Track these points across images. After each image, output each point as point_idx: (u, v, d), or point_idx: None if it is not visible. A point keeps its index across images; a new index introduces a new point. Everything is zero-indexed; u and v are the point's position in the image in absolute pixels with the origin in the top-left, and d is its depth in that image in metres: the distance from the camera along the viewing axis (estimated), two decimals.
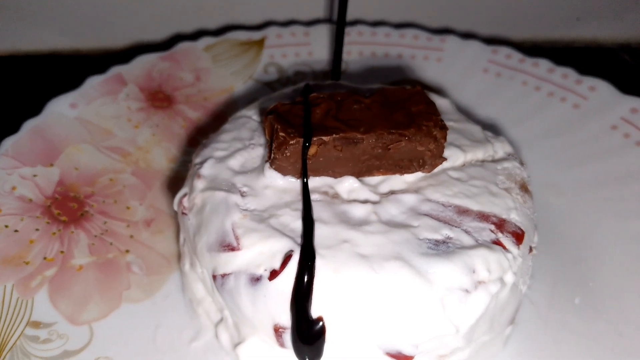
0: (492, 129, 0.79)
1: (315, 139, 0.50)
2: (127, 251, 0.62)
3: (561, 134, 0.77)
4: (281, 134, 0.51)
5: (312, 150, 0.51)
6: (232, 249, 0.49)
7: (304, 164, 0.51)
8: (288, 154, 0.51)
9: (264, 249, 0.48)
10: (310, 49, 0.88)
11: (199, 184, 0.54)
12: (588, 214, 0.68)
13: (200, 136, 0.76)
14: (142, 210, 0.66)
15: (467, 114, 0.80)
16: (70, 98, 0.73)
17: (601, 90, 0.79)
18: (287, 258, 0.47)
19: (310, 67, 0.87)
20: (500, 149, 0.60)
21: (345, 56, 0.88)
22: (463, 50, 0.87)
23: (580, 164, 0.73)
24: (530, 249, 0.53)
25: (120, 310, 0.57)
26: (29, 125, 0.68)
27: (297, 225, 0.49)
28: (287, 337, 0.48)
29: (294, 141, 0.50)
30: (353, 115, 0.53)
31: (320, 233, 0.48)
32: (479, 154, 0.58)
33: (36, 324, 0.53)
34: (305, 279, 0.46)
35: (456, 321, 0.47)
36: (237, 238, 0.49)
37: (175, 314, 0.57)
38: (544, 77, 0.83)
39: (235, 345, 0.52)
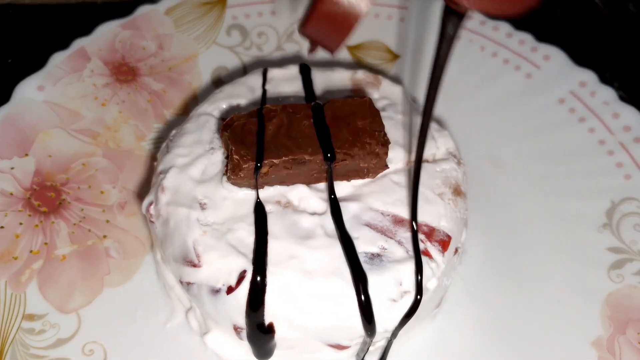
0: (449, 96, 0.82)
1: (266, 161, 0.56)
2: (105, 236, 0.69)
3: (510, 105, 0.81)
4: (235, 156, 0.56)
5: (263, 169, 0.56)
6: (194, 265, 0.56)
7: (257, 191, 0.57)
8: (242, 175, 0.56)
9: (221, 267, 0.55)
10: (273, 8, 0.87)
11: (163, 197, 0.59)
12: (523, 189, 0.75)
13: (166, 110, 0.79)
14: (116, 193, 0.72)
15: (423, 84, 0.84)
16: (37, 80, 0.75)
17: (555, 59, 0.82)
18: (241, 277, 0.54)
19: (274, 27, 0.87)
20: (442, 144, 0.66)
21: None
22: (427, 9, 0.87)
23: (522, 138, 0.78)
24: (456, 250, 0.61)
25: (102, 295, 0.65)
26: (0, 115, 0.71)
27: (252, 240, 0.56)
28: (245, 334, 0.57)
29: (247, 165, 0.56)
30: (303, 133, 0.57)
31: (272, 249, 0.55)
32: None
33: (30, 317, 0.62)
34: (257, 295, 0.54)
35: (384, 324, 0.56)
36: (198, 256, 0.56)
37: (151, 296, 0.66)
38: (502, 42, 0.84)
39: (203, 333, 0.61)
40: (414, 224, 0.57)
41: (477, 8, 0.40)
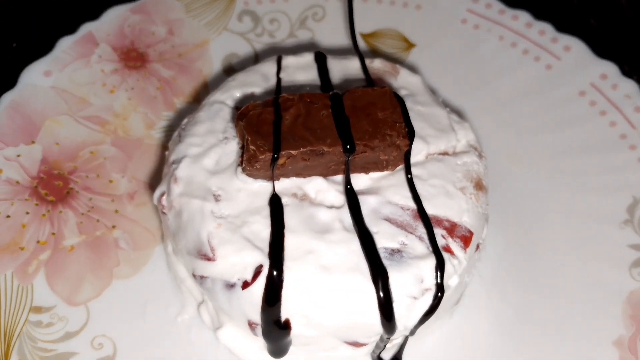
0: (467, 87, 0.80)
1: (283, 152, 0.54)
2: (114, 227, 0.67)
3: (529, 97, 0.79)
4: (251, 147, 0.54)
5: (280, 161, 0.54)
6: (209, 259, 0.54)
7: (273, 183, 0.55)
8: (258, 167, 0.55)
9: (236, 261, 0.53)
10: None
11: (176, 188, 0.57)
12: (541, 184, 0.73)
13: (176, 98, 0.77)
14: (125, 182, 0.70)
15: (440, 72, 0.82)
16: (43, 65, 0.72)
17: (576, 51, 0.80)
18: (257, 271, 0.53)
19: (286, 13, 0.84)
20: (463, 137, 0.64)
21: (322, 1, 0.86)
22: None
23: (541, 132, 0.76)
24: (477, 246, 0.59)
25: (111, 287, 0.63)
26: (5, 101, 0.69)
27: (267, 234, 0.54)
28: (259, 330, 0.55)
29: (264, 156, 0.54)
30: (321, 124, 0.56)
31: (288, 243, 0.54)
32: (441, 145, 0.62)
33: (38, 309, 0.60)
34: (273, 291, 0.52)
35: (404, 322, 0.54)
36: (212, 249, 0.54)
37: (162, 289, 0.64)
38: (521, 32, 0.82)
39: (216, 328, 0.59)
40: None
41: None
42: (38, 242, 0.64)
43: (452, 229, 0.57)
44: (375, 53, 0.83)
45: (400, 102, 0.58)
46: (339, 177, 0.58)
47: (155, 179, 0.70)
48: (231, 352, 0.59)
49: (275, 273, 0.52)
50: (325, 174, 0.58)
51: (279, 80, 0.66)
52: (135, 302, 0.63)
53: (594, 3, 0.96)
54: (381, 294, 0.52)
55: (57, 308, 0.61)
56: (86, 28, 0.77)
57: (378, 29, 0.84)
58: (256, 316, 0.54)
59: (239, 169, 0.57)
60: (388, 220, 0.56)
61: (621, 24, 0.94)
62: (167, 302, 0.63)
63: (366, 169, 0.58)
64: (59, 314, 0.60)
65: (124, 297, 0.63)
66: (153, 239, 0.67)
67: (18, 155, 0.68)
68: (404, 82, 0.68)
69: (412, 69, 0.76)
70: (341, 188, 0.58)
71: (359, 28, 0.85)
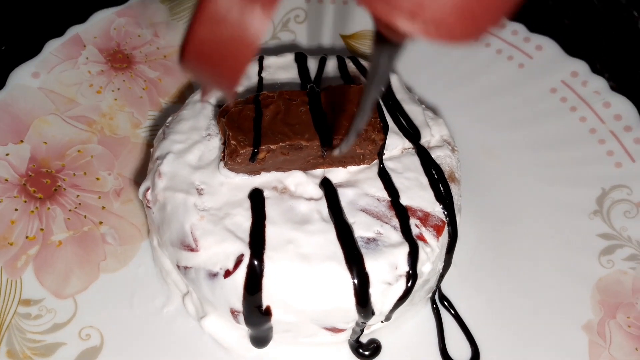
0: (442, 85, 0.83)
1: (263, 147, 0.56)
2: (101, 223, 0.69)
3: (502, 94, 0.82)
4: (233, 142, 0.56)
5: (261, 155, 0.57)
6: (192, 249, 0.56)
7: (253, 176, 0.57)
8: (239, 161, 0.57)
9: (219, 251, 0.55)
10: None
11: (160, 183, 0.60)
12: (515, 177, 0.76)
13: (162, 98, 0.79)
14: (111, 180, 0.72)
15: (417, 71, 0.84)
16: (31, 67, 0.75)
17: (547, 50, 0.83)
18: (238, 260, 0.55)
19: None
20: (437, 132, 0.66)
21: (303, 3, 0.89)
22: None
23: (514, 127, 0.79)
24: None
25: (98, 281, 0.65)
26: None
27: (249, 225, 0.56)
28: (242, 318, 0.57)
29: (245, 150, 0.56)
30: (299, 119, 0.58)
31: (269, 233, 0.56)
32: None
33: (26, 302, 0.62)
34: (254, 279, 0.54)
35: (379, 307, 0.56)
36: (195, 240, 0.56)
37: (148, 282, 0.66)
38: (495, 32, 0.85)
39: (200, 317, 0.61)
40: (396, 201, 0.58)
41: (423, 34, 0.27)
42: (27, 237, 0.65)
43: (425, 218, 0.59)
44: (355, 54, 0.85)
45: None
46: (318, 171, 0.61)
47: (141, 177, 0.72)
48: (215, 340, 0.61)
49: (256, 262, 0.54)
50: (305, 168, 0.60)
51: (260, 79, 0.68)
52: (122, 294, 0.65)
53: (567, 4, 0.99)
54: (357, 280, 0.55)
55: (45, 301, 0.62)
56: (73, 31, 0.79)
57: (358, 30, 0.87)
58: (238, 304, 0.56)
59: (221, 163, 0.59)
60: (364, 211, 0.58)
61: (594, 23, 0.97)
62: (153, 294, 0.65)
63: (344, 163, 0.61)
64: (47, 306, 0.62)
65: (111, 290, 0.65)
66: (139, 234, 0.69)
67: (7, 154, 0.69)
68: None
69: None
70: (319, 182, 0.60)
71: (340, 30, 0.87)
